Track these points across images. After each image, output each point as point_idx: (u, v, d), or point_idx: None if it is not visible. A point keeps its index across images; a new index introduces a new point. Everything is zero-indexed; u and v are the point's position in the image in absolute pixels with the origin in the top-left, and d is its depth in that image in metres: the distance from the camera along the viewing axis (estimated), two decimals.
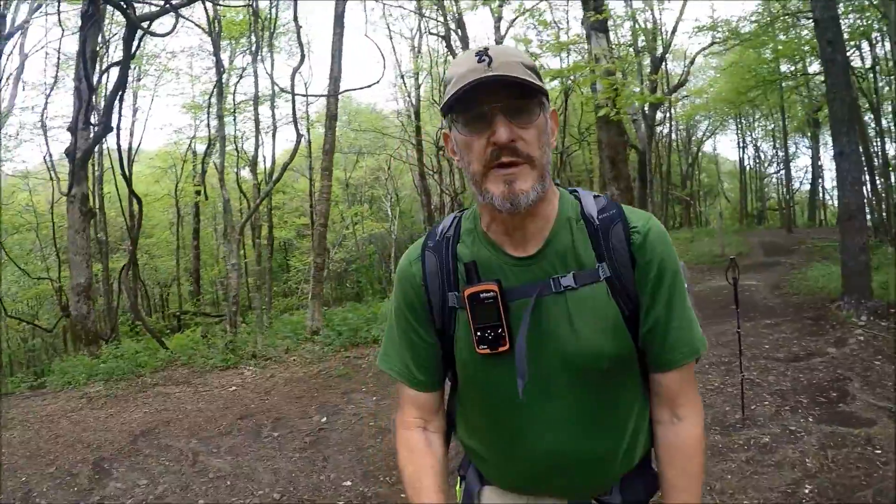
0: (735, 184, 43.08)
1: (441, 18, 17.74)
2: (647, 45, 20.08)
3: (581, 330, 1.29)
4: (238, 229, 10.41)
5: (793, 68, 18.59)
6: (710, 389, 5.81)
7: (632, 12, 18.71)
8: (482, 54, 1.20)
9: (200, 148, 19.73)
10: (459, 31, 17.62)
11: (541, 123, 1.25)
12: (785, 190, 31.04)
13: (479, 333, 1.32)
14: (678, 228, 27.97)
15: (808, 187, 35.67)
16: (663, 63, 21.20)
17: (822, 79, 16.21)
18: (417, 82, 24.28)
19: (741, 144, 36.68)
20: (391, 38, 22.15)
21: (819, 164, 30.82)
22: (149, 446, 5.64)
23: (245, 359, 8.83)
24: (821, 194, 35.90)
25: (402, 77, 23.49)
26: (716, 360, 6.65)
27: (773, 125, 34.01)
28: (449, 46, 17.36)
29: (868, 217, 13.46)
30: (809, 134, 30.36)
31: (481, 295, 1.30)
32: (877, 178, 17.77)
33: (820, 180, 33.60)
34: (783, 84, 18.91)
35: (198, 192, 16.05)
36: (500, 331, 1.30)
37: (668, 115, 28.54)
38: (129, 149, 15.21)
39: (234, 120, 16.20)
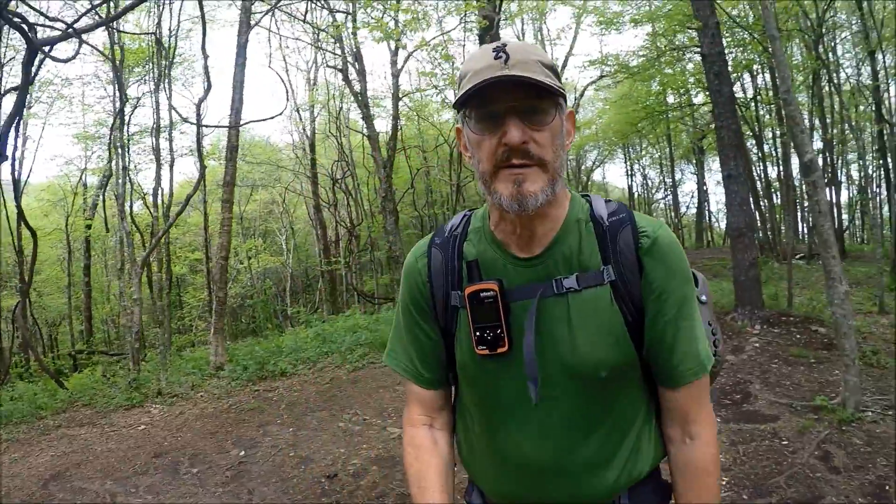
0: None
1: (338, 51, 17.74)
2: None
3: (581, 335, 1.26)
4: (141, 263, 10.03)
5: (678, 100, 19.77)
6: None
7: None
8: (500, 50, 1.17)
9: (91, 180, 18.94)
10: (357, 63, 17.69)
11: (555, 126, 1.22)
12: (673, 214, 32.61)
13: (478, 333, 1.29)
14: None
15: (694, 211, 37.58)
16: None
17: (708, 109, 17.38)
18: (312, 115, 24.16)
19: (629, 172, 38.13)
20: (287, 71, 21.86)
21: (704, 188, 32.51)
22: (61, 490, 5.35)
23: (150, 397, 8.50)
24: (707, 217, 38.03)
25: (298, 110, 23.29)
26: None
27: (659, 153, 35.70)
28: (346, 79, 17.37)
29: (755, 235, 14.34)
30: (695, 160, 32.15)
31: (481, 294, 1.27)
32: (761, 199, 19.04)
33: (706, 204, 35.49)
34: (670, 114, 20.08)
35: (88, 227, 15.34)
36: (499, 331, 1.27)
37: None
38: (18, 180, 14.42)
39: (128, 151, 15.67)
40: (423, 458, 1.44)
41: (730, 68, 11.18)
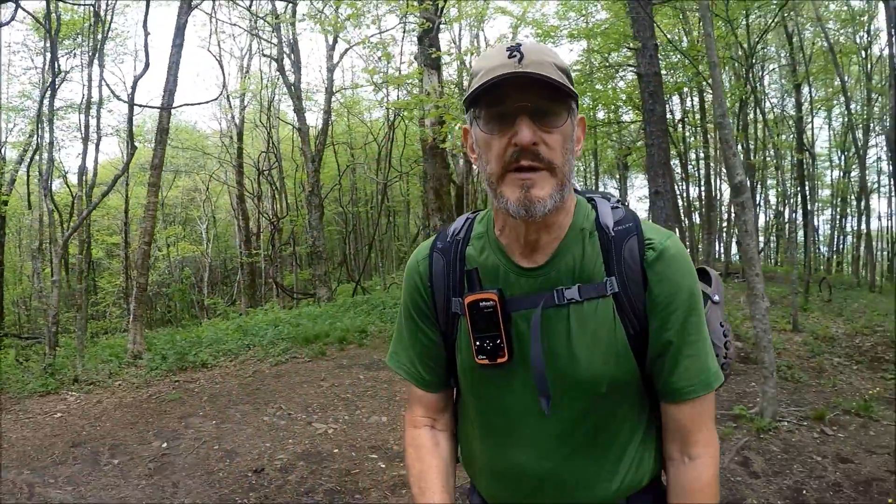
0: None
1: (275, 41, 17.50)
2: None
3: (581, 349, 1.23)
4: (63, 243, 9.61)
5: (607, 116, 20.28)
6: None
7: (458, 55, 19.52)
8: (514, 49, 1.15)
9: (11, 154, 17.99)
10: (293, 55, 17.48)
11: (567, 129, 1.19)
12: None
13: (478, 343, 1.27)
14: None
15: None
16: None
17: (636, 127, 17.90)
18: (243, 103, 23.72)
19: None
20: (220, 57, 21.34)
21: (627, 204, 33.29)
22: None
23: (66, 383, 8.20)
24: None
25: (229, 97, 22.81)
26: None
27: (584, 167, 36.43)
28: (281, 69, 17.15)
29: None
30: (619, 176, 32.95)
31: (481, 304, 1.26)
32: (682, 218, 19.78)
33: None
34: (599, 130, 20.57)
35: (5, 203, 14.58)
36: (498, 342, 1.25)
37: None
38: None
39: (52, 127, 15.01)
40: (424, 458, 1.43)
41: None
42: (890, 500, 4.03)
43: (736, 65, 14.27)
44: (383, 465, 5.03)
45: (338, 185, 23.69)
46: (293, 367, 8.63)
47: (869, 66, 19.86)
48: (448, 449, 1.48)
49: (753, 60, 13.14)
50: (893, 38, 9.97)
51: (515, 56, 1.13)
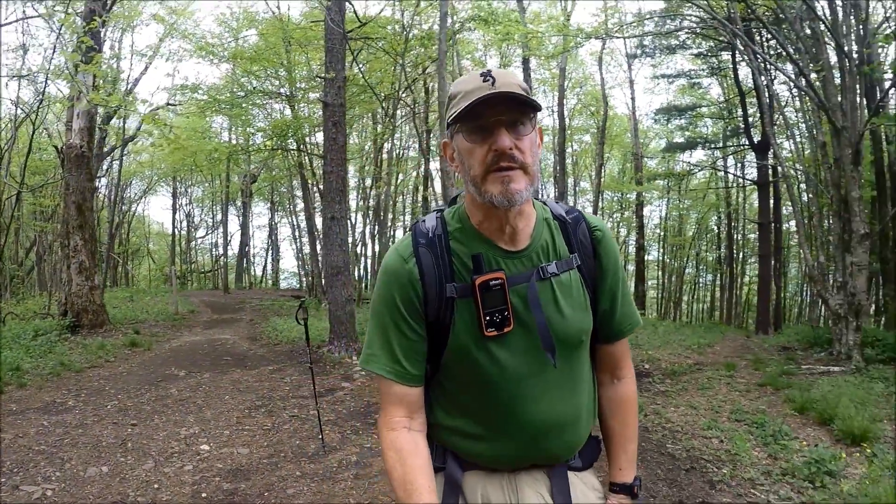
0: (163, 245, 43.51)
1: None
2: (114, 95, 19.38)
3: (565, 309, 1.52)
4: None
5: (243, 140, 20.27)
6: (267, 430, 6.09)
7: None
8: (486, 75, 1.40)
9: None
10: None
11: (532, 136, 1.45)
12: (221, 253, 32.76)
13: (487, 317, 1.46)
14: (111, 288, 26.48)
15: (236, 251, 38.34)
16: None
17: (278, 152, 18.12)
18: None
19: (174, 207, 37.29)
20: None
21: (250, 231, 33.37)
22: None
23: None
24: (251, 258, 39.15)
25: None
26: (252, 405, 6.98)
27: (212, 191, 35.59)
28: None
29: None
30: (242, 202, 32.87)
31: (490, 283, 1.46)
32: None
33: (249, 246, 36.47)
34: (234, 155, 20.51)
35: None
36: (506, 314, 1.46)
37: (108, 169, 27.31)
38: None
39: None
40: (407, 460, 1.49)
41: None
42: None
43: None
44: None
45: None
46: None
47: None
48: (426, 450, 1.54)
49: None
50: None
51: (489, 80, 1.38)
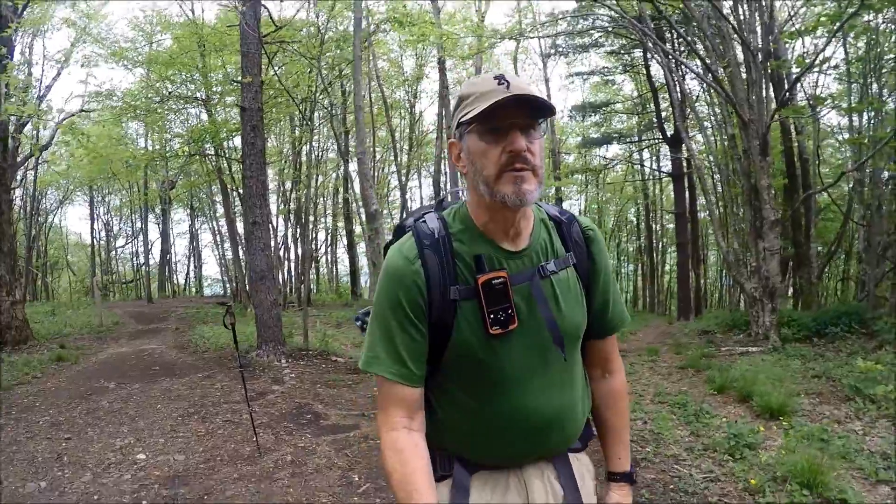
0: (82, 256, 42.14)
1: None
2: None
3: (566, 306, 1.57)
4: None
5: (160, 147, 19.92)
6: (201, 436, 6.15)
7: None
8: (500, 78, 1.43)
9: None
10: None
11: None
12: (143, 262, 31.97)
13: (492, 316, 1.48)
14: (32, 302, 25.48)
15: (158, 260, 37.40)
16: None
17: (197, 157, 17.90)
18: None
19: (92, 217, 36.21)
20: None
21: (171, 238, 32.65)
22: None
23: None
24: (173, 266, 38.28)
25: None
26: (185, 412, 7.03)
27: (129, 200, 34.62)
28: None
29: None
30: (161, 210, 32.14)
31: (493, 282, 1.48)
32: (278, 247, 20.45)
33: (170, 254, 35.67)
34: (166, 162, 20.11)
35: None
36: (510, 311, 1.49)
37: (22, 180, 26.26)
38: None
39: None
40: (407, 461, 1.48)
41: None
42: None
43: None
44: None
45: None
46: None
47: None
48: (426, 451, 1.53)
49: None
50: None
51: (504, 84, 1.41)
